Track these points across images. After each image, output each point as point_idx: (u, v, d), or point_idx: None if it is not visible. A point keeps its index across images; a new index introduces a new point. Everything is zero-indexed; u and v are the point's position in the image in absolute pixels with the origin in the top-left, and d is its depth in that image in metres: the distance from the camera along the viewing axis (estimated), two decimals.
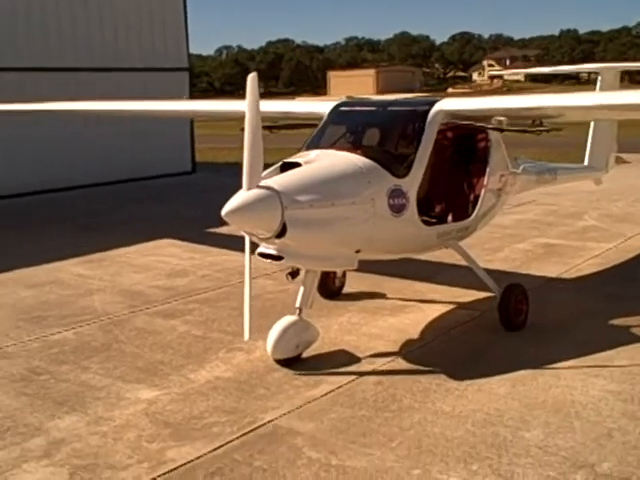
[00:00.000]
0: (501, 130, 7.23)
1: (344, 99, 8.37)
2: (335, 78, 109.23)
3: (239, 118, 10.34)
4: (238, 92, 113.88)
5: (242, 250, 11.03)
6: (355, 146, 6.99)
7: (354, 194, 6.34)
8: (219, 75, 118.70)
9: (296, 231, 5.99)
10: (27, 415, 5.88)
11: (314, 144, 7.13)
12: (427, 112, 7.14)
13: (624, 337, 7.29)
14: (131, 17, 19.94)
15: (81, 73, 18.51)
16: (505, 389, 6.15)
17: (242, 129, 6.13)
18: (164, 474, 4.96)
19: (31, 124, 16.67)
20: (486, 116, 7.16)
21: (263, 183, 5.95)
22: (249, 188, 5.87)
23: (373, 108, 7.91)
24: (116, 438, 5.47)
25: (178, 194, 18.37)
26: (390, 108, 7.73)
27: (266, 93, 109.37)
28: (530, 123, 7.19)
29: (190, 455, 5.19)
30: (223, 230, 12.91)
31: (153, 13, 20.41)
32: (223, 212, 5.87)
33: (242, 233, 6.32)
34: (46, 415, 5.87)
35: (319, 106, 8.04)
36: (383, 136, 7.33)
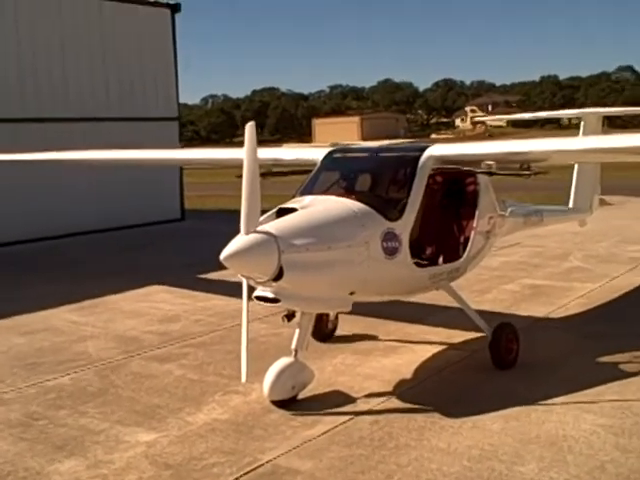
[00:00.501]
0: (490, 174, 7.47)
1: (339, 145, 8.61)
2: (320, 125, 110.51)
3: (231, 166, 10.59)
4: (224, 140, 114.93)
5: (233, 295, 11.27)
6: (349, 191, 7.20)
7: (349, 238, 6.52)
8: (205, 124, 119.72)
9: (293, 274, 6.14)
10: (27, 459, 5.94)
11: (308, 190, 7.34)
12: (418, 158, 7.39)
13: (612, 373, 7.45)
14: (123, 69, 20.30)
15: (72, 124, 18.76)
16: (498, 425, 6.27)
17: (239, 176, 6.32)
18: None
19: (21, 173, 16.80)
20: (475, 161, 7.41)
21: (260, 228, 6.12)
22: (247, 232, 6.03)
23: (365, 154, 8.16)
24: None
25: (168, 241, 18.51)
26: (382, 154, 7.98)
27: None
28: (518, 167, 7.43)
29: None
30: (213, 276, 13.08)
31: (144, 65, 20.79)
32: (222, 256, 6.01)
33: (239, 277, 6.45)
34: (46, 459, 5.93)
35: (312, 153, 8.27)
36: (376, 181, 7.55)
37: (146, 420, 6.68)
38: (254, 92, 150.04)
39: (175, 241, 18.52)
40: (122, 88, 20.30)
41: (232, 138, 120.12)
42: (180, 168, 21.44)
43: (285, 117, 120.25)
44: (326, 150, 8.15)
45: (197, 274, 13.32)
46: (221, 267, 13.63)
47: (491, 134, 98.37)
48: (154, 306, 11.16)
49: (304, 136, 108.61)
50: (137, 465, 5.78)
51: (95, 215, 19.10)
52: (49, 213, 18.15)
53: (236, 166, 8.20)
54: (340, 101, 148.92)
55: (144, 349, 8.89)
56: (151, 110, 20.87)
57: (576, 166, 11.72)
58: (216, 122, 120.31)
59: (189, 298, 11.66)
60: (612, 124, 78.97)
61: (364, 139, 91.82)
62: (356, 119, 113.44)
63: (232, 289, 11.49)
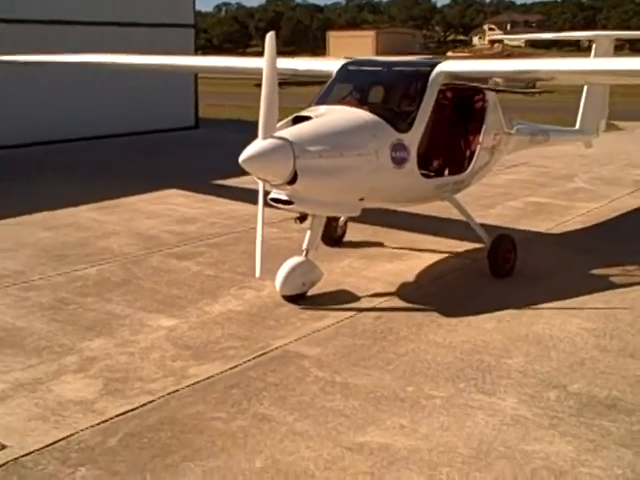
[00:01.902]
0: (497, 91, 7.80)
1: (352, 59, 8.91)
2: (334, 38, 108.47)
3: (248, 76, 10.83)
4: (237, 50, 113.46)
5: (247, 201, 11.79)
6: (362, 102, 7.58)
7: (360, 146, 6.94)
8: (218, 32, 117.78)
9: (306, 178, 6.59)
10: (60, 337, 6.54)
11: (323, 100, 7.71)
12: (429, 73, 7.73)
13: (601, 284, 7.97)
14: None
15: (89, 27, 18.87)
16: (491, 325, 6.83)
17: (257, 84, 6.68)
18: (188, 386, 5.63)
19: (35, 74, 17.05)
20: (484, 78, 7.74)
21: (277, 134, 6.54)
22: (264, 138, 6.46)
23: (379, 68, 8.48)
24: (143, 357, 6.14)
25: (182, 148, 18.87)
26: (394, 68, 8.30)
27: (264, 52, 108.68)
28: (524, 85, 7.76)
29: (209, 372, 5.86)
30: (228, 182, 13.56)
31: None
32: (240, 159, 6.45)
33: (255, 179, 6.89)
34: (78, 337, 6.53)
35: (328, 64, 8.60)
36: (387, 94, 7.91)
37: (167, 308, 7.26)
38: (268, 1, 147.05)
39: (190, 148, 18.87)
40: None
41: (245, 48, 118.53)
42: (195, 76, 21.58)
43: (299, 29, 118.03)
44: (341, 62, 8.47)
45: (212, 180, 13.76)
46: (235, 174, 14.12)
47: (509, 53, 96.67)
48: (171, 208, 11.66)
49: (318, 49, 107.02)
50: (160, 345, 6.38)
51: (109, 120, 19.35)
52: (63, 117, 18.39)
53: (253, 75, 8.58)
54: (356, 14, 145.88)
55: (163, 246, 9.43)
56: (167, 16, 20.86)
57: (585, 89, 11.95)
58: (229, 31, 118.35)
59: (204, 202, 12.15)
60: (632, 48, 77.70)
61: (379, 54, 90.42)
62: (372, 33, 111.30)
63: (246, 195, 12.00)
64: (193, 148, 18.92)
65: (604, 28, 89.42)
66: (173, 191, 12.96)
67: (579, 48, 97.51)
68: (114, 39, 18.30)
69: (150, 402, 5.39)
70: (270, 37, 6.47)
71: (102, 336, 6.56)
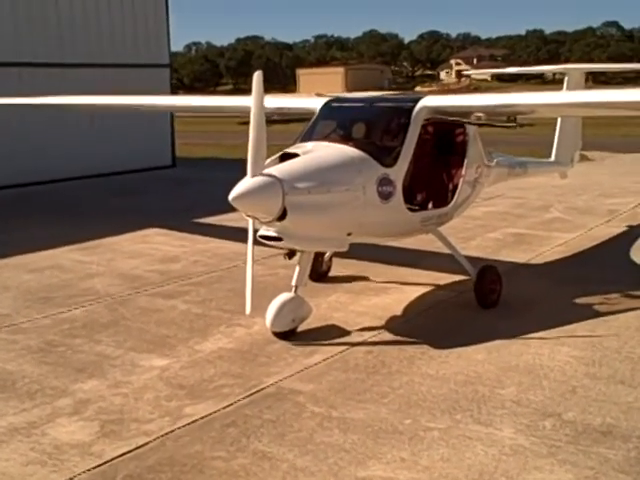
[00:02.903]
0: (479, 125, 7.97)
1: (323, 96, 9.04)
2: (304, 75, 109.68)
3: (229, 114, 10.87)
4: (207, 88, 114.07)
5: (229, 238, 11.81)
6: (347, 138, 7.70)
7: (347, 182, 7.03)
8: (188, 71, 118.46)
9: (295, 215, 6.66)
10: (51, 380, 6.49)
11: (308, 137, 7.82)
12: (412, 108, 7.88)
13: (585, 313, 8.09)
14: (115, 13, 20.39)
15: (64, 69, 18.94)
16: (482, 356, 6.89)
17: (242, 123, 6.76)
18: (184, 426, 5.61)
19: (10, 116, 17.03)
20: (466, 112, 7.91)
21: (266, 171, 6.61)
22: (253, 175, 6.52)
23: (361, 104, 8.63)
24: (137, 398, 6.10)
25: (160, 187, 18.91)
26: (377, 104, 8.46)
27: (236, 90, 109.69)
28: (505, 119, 7.95)
29: (205, 411, 5.84)
30: (209, 220, 13.63)
31: (135, 10, 20.88)
32: (230, 197, 6.50)
33: (245, 216, 6.93)
34: (70, 379, 6.48)
35: (311, 102, 8.73)
36: (372, 130, 8.05)
37: (157, 348, 7.24)
38: (238, 40, 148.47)
39: (168, 187, 18.92)
40: (113, 34, 20.40)
41: (216, 87, 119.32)
42: (171, 115, 21.71)
43: (269, 66, 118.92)
44: (324, 99, 8.61)
45: (192, 218, 13.80)
46: (215, 212, 14.20)
47: (476, 87, 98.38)
48: (153, 247, 11.65)
49: (288, 86, 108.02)
50: (153, 385, 6.35)
51: (87, 161, 19.36)
52: (40, 157, 18.36)
53: (238, 114, 8.65)
54: (325, 51, 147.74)
55: (148, 286, 9.41)
56: (142, 56, 21.01)
57: (559, 121, 12.23)
58: (200, 70, 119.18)
59: (186, 240, 12.16)
60: (595, 80, 79.51)
61: (348, 90, 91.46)
62: (341, 70, 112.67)
63: (228, 233, 12.09)
64: (171, 187, 18.97)
65: (567, 61, 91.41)
66: (154, 230, 12.96)
67: (544, 81, 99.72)
68: (88, 80, 18.36)
69: (147, 443, 5.36)
70: (257, 76, 6.57)
71: (94, 378, 6.52)
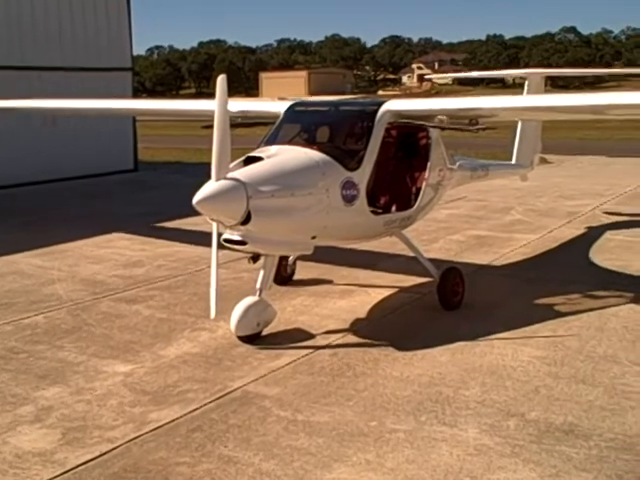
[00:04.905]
0: (442, 129, 8.05)
1: (286, 100, 9.06)
2: (267, 79, 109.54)
3: (193, 118, 10.87)
4: (170, 92, 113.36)
5: (193, 242, 11.73)
6: (311, 142, 7.71)
7: (311, 185, 7.04)
8: (150, 75, 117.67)
9: (259, 219, 6.65)
10: (12, 387, 6.38)
11: (272, 140, 7.81)
12: (375, 112, 7.92)
13: (547, 313, 8.20)
14: (76, 16, 20.18)
15: (26, 72, 18.69)
16: (446, 357, 6.95)
17: (205, 127, 6.73)
18: (149, 432, 5.55)
19: None
20: (428, 116, 7.98)
21: (230, 175, 6.59)
22: (217, 179, 6.50)
23: (325, 108, 8.65)
24: (100, 404, 6.03)
25: (123, 191, 18.73)
26: (341, 108, 8.48)
27: (198, 94, 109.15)
28: (467, 122, 8.04)
29: (170, 416, 5.79)
30: (172, 224, 13.55)
31: (98, 14, 20.69)
32: (194, 201, 6.46)
33: (209, 220, 6.89)
34: (31, 387, 6.38)
35: (275, 106, 8.73)
36: (336, 133, 8.06)
37: (121, 354, 7.16)
38: (200, 44, 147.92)
39: (130, 191, 18.75)
40: (75, 37, 20.19)
41: (178, 90, 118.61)
42: (133, 119, 21.53)
43: (232, 70, 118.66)
44: (288, 103, 8.61)
45: (155, 222, 13.70)
46: (178, 216, 14.11)
47: (438, 91, 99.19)
48: (116, 252, 11.54)
49: (251, 90, 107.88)
50: (117, 391, 6.28)
51: (47, 165, 19.11)
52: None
53: (201, 118, 8.63)
54: (287, 56, 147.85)
55: (111, 291, 9.31)
56: (104, 60, 20.81)
57: (519, 124, 12.39)
58: (162, 74, 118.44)
59: (149, 245, 12.05)
60: (554, 84, 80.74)
61: (311, 94, 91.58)
62: (303, 74, 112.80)
63: (191, 237, 12.02)
64: (133, 191, 18.81)
65: (526, 66, 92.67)
66: (116, 235, 12.83)
67: (505, 85, 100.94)
68: (50, 84, 18.14)
69: (111, 450, 5.30)
70: (221, 80, 6.56)
71: (56, 384, 6.42)
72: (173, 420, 5.73)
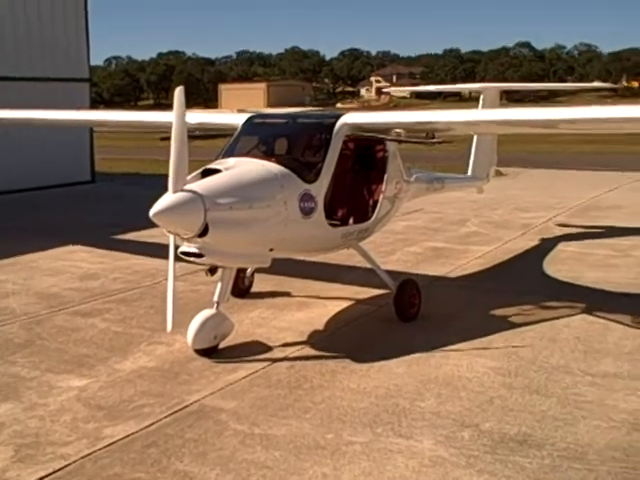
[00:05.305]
0: (399, 142, 8.14)
1: (245, 112, 9.07)
2: (226, 91, 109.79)
3: (152, 130, 10.82)
4: (128, 103, 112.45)
5: (150, 255, 11.63)
6: (269, 154, 7.73)
7: (269, 197, 7.06)
8: (108, 86, 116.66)
9: (217, 231, 6.63)
10: None
11: (230, 152, 7.82)
12: (333, 124, 7.98)
13: (502, 324, 8.32)
14: (33, 26, 19.94)
15: None
16: (402, 369, 6.99)
17: (163, 138, 6.72)
18: (103, 448, 5.49)
19: None
20: (386, 129, 8.06)
21: (187, 187, 6.57)
22: (175, 191, 6.47)
23: (283, 120, 8.68)
24: (53, 420, 5.94)
25: (80, 203, 18.50)
26: (299, 120, 8.52)
27: (156, 105, 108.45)
28: (424, 136, 8.14)
29: (125, 432, 5.73)
30: (129, 236, 13.42)
31: (55, 24, 20.46)
32: (151, 213, 6.43)
33: (166, 233, 6.86)
34: None
35: (233, 118, 8.74)
36: (294, 146, 8.10)
37: (76, 368, 7.07)
38: (159, 55, 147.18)
39: (87, 203, 18.53)
40: (32, 47, 19.94)
41: (136, 101, 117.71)
42: (90, 130, 21.31)
43: (191, 82, 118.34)
44: (246, 115, 8.63)
45: (112, 235, 13.57)
46: (135, 228, 13.96)
47: (395, 104, 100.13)
48: (72, 265, 11.39)
49: (210, 101, 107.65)
50: (71, 407, 6.20)
51: (2, 176, 18.80)
52: None
53: (159, 129, 8.61)
54: (247, 67, 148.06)
55: (67, 304, 9.19)
56: (61, 70, 20.57)
57: (475, 137, 12.57)
58: (120, 84, 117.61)
59: (106, 257, 11.92)
60: (509, 98, 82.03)
61: (270, 106, 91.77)
62: (262, 86, 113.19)
63: (148, 249, 11.92)
64: (91, 203, 18.59)
65: (482, 80, 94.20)
66: (72, 247, 12.66)
67: (462, 99, 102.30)
68: (6, 94, 17.84)
69: (65, 466, 5.23)
70: (179, 92, 6.55)
71: (9, 400, 6.31)
72: (128, 435, 5.67)
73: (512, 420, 5.88)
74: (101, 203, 18.45)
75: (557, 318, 8.55)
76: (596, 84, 51.45)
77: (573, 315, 8.67)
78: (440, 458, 5.27)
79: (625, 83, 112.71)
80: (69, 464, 5.25)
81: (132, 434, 5.70)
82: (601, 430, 5.71)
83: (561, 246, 12.79)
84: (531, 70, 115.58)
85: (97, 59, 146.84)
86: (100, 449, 5.47)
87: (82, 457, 5.34)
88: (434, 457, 5.29)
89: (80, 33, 21.25)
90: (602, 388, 6.54)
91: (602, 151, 32.31)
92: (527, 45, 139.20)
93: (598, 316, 8.59)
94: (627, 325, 8.31)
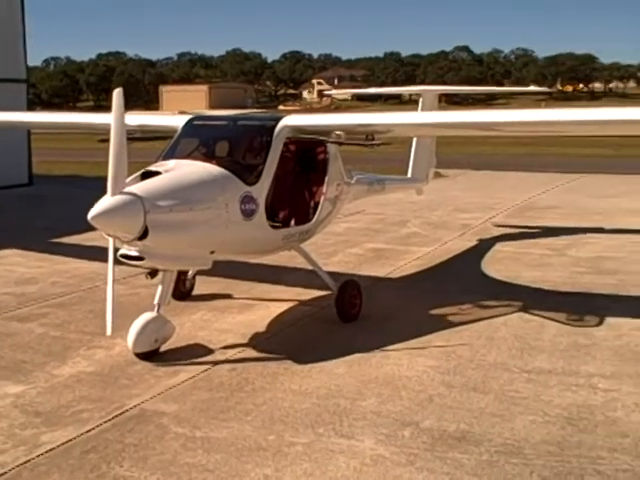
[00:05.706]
0: (339, 144, 8.20)
1: (187, 114, 9.02)
2: (167, 93, 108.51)
3: (77, 132, 10.60)
4: (67, 104, 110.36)
5: (89, 258, 11.46)
6: (210, 156, 7.71)
7: (210, 200, 7.04)
8: (46, 87, 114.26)
9: (157, 234, 6.59)
10: None
11: (170, 154, 7.76)
12: (274, 127, 7.99)
13: (441, 323, 8.46)
14: None
15: None
16: (343, 369, 7.05)
17: (102, 140, 6.64)
18: (42, 454, 5.40)
19: None
20: (326, 131, 8.12)
21: (127, 189, 6.51)
22: (114, 194, 6.41)
23: (224, 122, 8.66)
24: None
25: (17, 206, 18.10)
26: (240, 123, 8.51)
27: (96, 106, 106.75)
28: (364, 138, 8.22)
29: (64, 438, 5.65)
30: (68, 240, 13.19)
31: None
32: (89, 216, 6.35)
33: (105, 236, 6.78)
34: None
35: (174, 120, 8.68)
36: (235, 148, 8.09)
37: (12, 374, 6.93)
38: (99, 56, 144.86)
39: (24, 206, 18.15)
40: None
41: (75, 102, 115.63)
42: (28, 132, 20.88)
43: (131, 83, 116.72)
44: (186, 117, 8.58)
45: (50, 238, 13.31)
46: (75, 231, 13.73)
47: (337, 107, 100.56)
48: (8, 269, 11.15)
49: (151, 103, 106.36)
50: (7, 413, 6.07)
51: None
52: None
53: (98, 131, 8.48)
54: (189, 69, 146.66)
55: (2, 309, 9.00)
56: None
57: (414, 140, 12.74)
58: (58, 86, 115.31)
59: (44, 261, 11.70)
60: (449, 101, 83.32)
61: (212, 108, 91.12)
62: (204, 88, 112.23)
63: (87, 252, 11.75)
64: (28, 206, 18.23)
65: (422, 83, 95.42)
66: (9, 251, 12.39)
67: (402, 101, 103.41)
68: None
69: (1, 475, 5.12)
70: (117, 93, 6.48)
71: None
72: (67, 441, 5.59)
73: (451, 417, 5.98)
74: (39, 206, 18.09)
75: (495, 317, 8.73)
76: (532, 88, 52.59)
77: (510, 313, 8.86)
78: (381, 457, 5.34)
79: (559, 87, 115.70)
80: (5, 472, 5.14)
81: (71, 440, 5.62)
82: (537, 425, 5.86)
83: (499, 246, 13.06)
84: (469, 74, 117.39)
85: (35, 60, 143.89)
86: (38, 456, 5.37)
87: (19, 465, 5.25)
88: (375, 456, 5.35)
89: (16, 32, 20.79)
90: (538, 384, 6.70)
91: (537, 153, 33.12)
92: (466, 49, 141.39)
93: (534, 314, 8.80)
94: (562, 322, 8.53)
